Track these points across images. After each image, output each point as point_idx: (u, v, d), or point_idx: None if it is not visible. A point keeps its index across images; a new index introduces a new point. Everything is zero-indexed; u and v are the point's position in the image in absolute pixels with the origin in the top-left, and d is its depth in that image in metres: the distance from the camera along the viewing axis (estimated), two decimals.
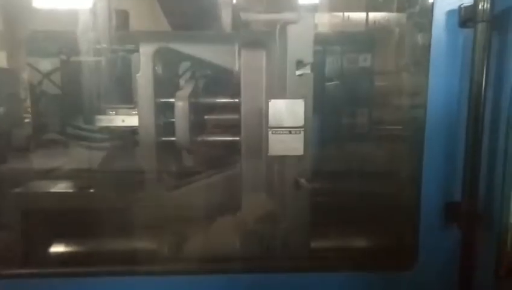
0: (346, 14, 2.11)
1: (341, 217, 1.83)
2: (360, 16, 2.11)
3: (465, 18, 1.41)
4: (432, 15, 1.44)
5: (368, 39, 2.16)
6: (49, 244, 1.90)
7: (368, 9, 2.06)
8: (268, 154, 1.64)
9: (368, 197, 1.86)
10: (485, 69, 1.36)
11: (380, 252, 1.81)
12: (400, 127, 1.85)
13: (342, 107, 2.21)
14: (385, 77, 2.08)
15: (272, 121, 1.62)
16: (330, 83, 2.28)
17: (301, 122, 1.62)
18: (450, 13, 1.44)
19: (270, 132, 1.62)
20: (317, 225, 1.71)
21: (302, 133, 1.62)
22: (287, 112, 1.61)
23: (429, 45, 1.46)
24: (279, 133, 1.62)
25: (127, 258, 1.71)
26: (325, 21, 2.33)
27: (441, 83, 1.47)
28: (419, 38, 1.56)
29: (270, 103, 1.61)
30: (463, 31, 1.44)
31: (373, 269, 1.65)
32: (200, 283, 1.63)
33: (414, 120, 1.58)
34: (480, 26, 1.35)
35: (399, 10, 1.80)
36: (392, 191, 1.78)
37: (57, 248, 1.91)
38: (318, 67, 2.58)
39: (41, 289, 1.60)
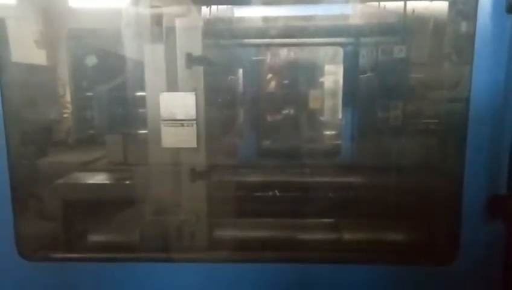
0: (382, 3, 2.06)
1: (379, 210, 1.81)
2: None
3: None
4: (477, 0, 1.38)
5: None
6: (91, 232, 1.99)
7: None
8: (162, 146, 1.66)
9: (409, 190, 1.83)
10: None
11: (420, 246, 1.78)
12: (439, 120, 1.80)
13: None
14: (428, 67, 2.01)
15: (164, 114, 1.64)
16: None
17: (193, 115, 1.64)
18: None
19: (162, 125, 1.64)
20: (355, 217, 1.70)
21: (195, 125, 1.64)
22: (179, 105, 1.64)
23: (474, 33, 1.40)
24: (172, 126, 1.64)
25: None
26: (359, 10, 2.30)
27: (486, 73, 1.41)
28: (464, 26, 1.50)
29: (160, 96, 1.64)
30: (511, 17, 1.37)
31: (411, 263, 1.62)
32: (232, 271, 1.66)
33: (456, 111, 1.54)
34: None
35: None
36: (433, 184, 1.75)
37: (98, 235, 2.00)
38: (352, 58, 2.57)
39: (85, 272, 1.68)
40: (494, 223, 1.48)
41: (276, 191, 2.21)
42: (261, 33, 2.35)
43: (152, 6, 1.82)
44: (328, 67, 3.02)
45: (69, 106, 2.39)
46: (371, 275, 1.60)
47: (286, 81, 3.06)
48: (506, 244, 1.46)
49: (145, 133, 1.83)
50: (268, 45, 2.82)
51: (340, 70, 2.80)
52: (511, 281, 1.46)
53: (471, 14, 1.41)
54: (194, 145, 1.69)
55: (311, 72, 3.07)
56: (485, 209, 1.49)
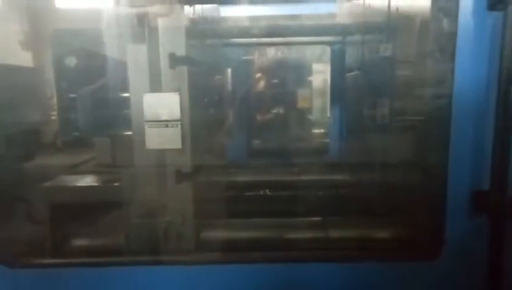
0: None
1: (366, 207, 1.82)
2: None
3: (494, 0, 1.36)
4: None
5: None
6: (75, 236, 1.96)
7: None
8: (146, 147, 1.65)
9: (395, 187, 1.84)
10: None
11: (406, 242, 1.79)
12: (423, 117, 1.80)
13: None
14: (413, 65, 2.01)
15: (147, 115, 1.63)
16: None
17: (177, 116, 1.63)
18: None
19: (146, 126, 1.63)
20: (341, 215, 1.70)
21: (179, 126, 1.64)
22: (163, 105, 1.63)
23: (455, 30, 1.41)
24: (156, 127, 1.63)
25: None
26: (346, 9, 2.31)
27: (469, 69, 1.42)
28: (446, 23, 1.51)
29: (144, 97, 1.63)
30: (492, 14, 1.38)
31: (398, 259, 1.63)
32: (220, 273, 1.65)
33: (440, 108, 1.54)
34: (511, 9, 1.30)
35: None
36: (418, 181, 1.75)
37: (83, 240, 1.97)
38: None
39: (69, 278, 1.65)
40: (478, 219, 1.49)
41: (267, 191, 2.21)
42: (248, 33, 2.34)
43: (138, 7, 1.80)
44: (315, 66, 3.02)
45: (54, 107, 2.35)
46: (357, 272, 1.61)
47: (273, 81, 3.06)
48: (490, 238, 1.47)
49: (130, 134, 1.80)
50: (255, 45, 2.82)
51: (327, 68, 2.81)
52: (496, 275, 1.47)
53: (453, 11, 1.42)
54: (179, 146, 1.68)
55: (299, 71, 3.07)
56: (469, 205, 1.50)
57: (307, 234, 1.86)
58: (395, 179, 1.87)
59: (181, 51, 1.68)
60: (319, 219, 1.91)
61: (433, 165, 1.62)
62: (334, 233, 1.81)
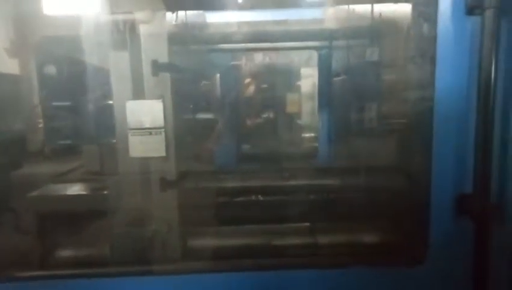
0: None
1: (351, 212, 1.81)
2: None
3: (472, 5, 1.37)
4: (437, 3, 1.40)
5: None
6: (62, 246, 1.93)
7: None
8: (130, 156, 1.65)
9: (380, 192, 1.84)
10: (494, 58, 1.33)
11: (391, 248, 1.78)
12: (406, 121, 1.81)
13: None
14: (397, 69, 2.02)
15: (131, 123, 1.62)
16: None
17: (161, 123, 1.63)
18: (456, 0, 1.40)
19: (130, 134, 1.62)
20: (325, 221, 1.69)
21: (163, 134, 1.63)
22: (146, 113, 1.63)
23: (435, 35, 1.42)
24: (140, 135, 1.63)
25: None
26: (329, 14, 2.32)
27: (449, 73, 1.43)
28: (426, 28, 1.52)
29: (127, 104, 1.62)
30: (470, 19, 1.39)
31: (383, 264, 1.62)
32: (208, 281, 1.63)
33: (423, 112, 1.54)
34: (488, 13, 1.31)
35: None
36: (402, 186, 1.76)
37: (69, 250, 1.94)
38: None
39: None
40: (462, 222, 1.49)
41: (259, 196, 2.19)
42: (234, 38, 2.34)
43: (126, 13, 1.79)
44: (303, 71, 3.03)
45: (38, 116, 2.32)
46: (345, 278, 1.60)
47: (261, 86, 3.06)
48: (475, 241, 1.47)
49: (115, 142, 1.78)
50: (242, 50, 2.82)
51: (315, 73, 2.83)
52: (481, 278, 1.47)
53: (432, 16, 1.43)
54: (163, 153, 1.67)
55: (287, 76, 3.08)
56: (453, 209, 1.50)
57: (295, 241, 1.85)
58: (381, 184, 1.87)
59: (164, 58, 1.67)
60: (306, 224, 1.90)
61: (416, 170, 1.62)
62: (321, 239, 1.80)
